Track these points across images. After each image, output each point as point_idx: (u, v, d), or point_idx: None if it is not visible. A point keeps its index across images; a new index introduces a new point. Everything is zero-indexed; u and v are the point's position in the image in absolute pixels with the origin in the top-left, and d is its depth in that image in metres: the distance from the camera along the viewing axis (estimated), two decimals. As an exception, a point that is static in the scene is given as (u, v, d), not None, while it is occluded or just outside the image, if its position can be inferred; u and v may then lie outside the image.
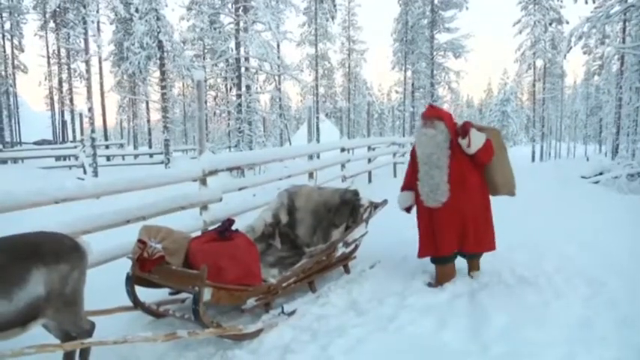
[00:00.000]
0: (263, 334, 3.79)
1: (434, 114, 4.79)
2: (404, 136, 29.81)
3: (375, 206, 5.28)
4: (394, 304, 4.33)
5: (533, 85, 38.61)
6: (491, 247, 4.93)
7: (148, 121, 32.07)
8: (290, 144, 25.62)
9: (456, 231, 4.70)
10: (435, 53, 29.62)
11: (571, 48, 12.92)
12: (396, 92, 38.22)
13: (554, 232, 6.58)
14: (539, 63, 37.49)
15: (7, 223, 3.63)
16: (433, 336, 3.73)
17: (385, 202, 5.40)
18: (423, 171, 4.73)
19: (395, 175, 15.14)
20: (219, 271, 3.57)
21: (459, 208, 4.64)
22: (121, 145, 29.28)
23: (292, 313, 4.16)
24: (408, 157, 17.74)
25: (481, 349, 3.49)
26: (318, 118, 30.52)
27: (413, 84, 32.09)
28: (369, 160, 14.10)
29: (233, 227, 4.13)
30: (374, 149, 14.38)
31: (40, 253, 2.72)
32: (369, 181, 13.26)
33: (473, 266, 5.01)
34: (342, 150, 11.04)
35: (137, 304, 3.93)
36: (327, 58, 42.49)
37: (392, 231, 6.01)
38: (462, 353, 3.46)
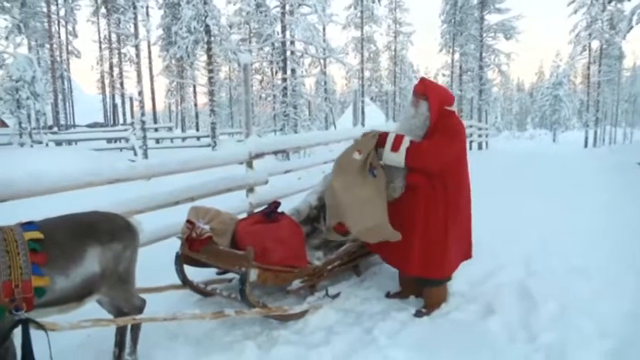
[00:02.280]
0: (308, 315, 3.83)
1: (420, 90, 3.88)
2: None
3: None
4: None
5: (588, 68, 37.11)
6: (439, 273, 3.92)
7: (195, 104, 32.63)
8: (335, 128, 25.61)
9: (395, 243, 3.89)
10: (484, 35, 28.80)
11: (632, 27, 12.30)
12: (443, 75, 37.39)
13: (608, 219, 6.35)
14: (595, 44, 35.96)
15: (65, 201, 3.78)
16: (479, 322, 3.68)
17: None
18: None
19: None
20: (266, 253, 3.62)
21: (401, 214, 3.86)
22: (170, 129, 29.93)
23: (337, 295, 4.18)
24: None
25: (528, 338, 3.43)
26: (363, 101, 30.28)
27: (461, 67, 31.35)
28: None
29: (279, 210, 4.18)
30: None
31: (95, 232, 2.82)
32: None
33: (425, 295, 4.03)
34: (388, 134, 10.91)
35: (186, 282, 4.04)
36: (372, 40, 41.98)
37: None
38: (508, 340, 3.40)
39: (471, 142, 21.09)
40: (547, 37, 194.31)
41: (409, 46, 45.13)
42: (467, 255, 4.20)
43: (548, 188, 9.15)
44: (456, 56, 32.56)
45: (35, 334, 2.46)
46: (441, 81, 45.60)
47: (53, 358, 2.45)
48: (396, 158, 3.76)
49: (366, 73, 41.28)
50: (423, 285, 3.98)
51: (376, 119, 29.73)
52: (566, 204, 7.41)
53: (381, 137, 3.90)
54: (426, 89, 3.88)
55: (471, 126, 20.71)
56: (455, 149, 3.84)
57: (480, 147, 23.04)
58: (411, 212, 3.83)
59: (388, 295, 4.20)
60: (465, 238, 4.14)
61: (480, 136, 22.60)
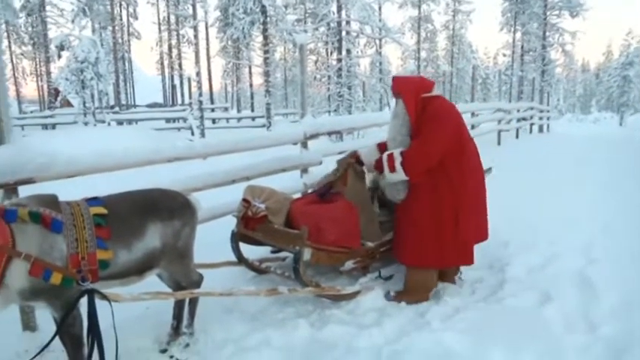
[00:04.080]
0: (360, 296, 3.84)
1: (394, 89, 3.87)
2: (510, 102, 28.30)
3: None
4: (497, 275, 4.20)
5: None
6: (407, 259, 3.88)
7: (251, 85, 33.00)
8: (389, 109, 25.30)
9: (398, 236, 3.98)
10: (548, 13, 27.48)
11: None
12: (504, 55, 36.22)
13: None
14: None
15: (129, 178, 3.92)
16: (535, 310, 3.57)
17: (489, 170, 5.19)
18: None
19: (499, 143, 14.52)
20: (320, 233, 3.65)
21: (408, 210, 3.85)
22: (226, 109, 30.44)
23: (389, 277, 4.17)
24: (514, 124, 17.01)
25: (587, 328, 3.30)
26: (418, 82, 29.68)
27: (522, 46, 30.13)
28: (472, 127, 13.60)
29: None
30: (477, 115, 13.83)
31: (156, 209, 2.91)
32: (471, 148, 12.81)
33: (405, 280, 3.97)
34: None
35: (241, 259, 4.13)
36: (430, 20, 41.05)
37: (491, 200, 5.78)
38: (565, 330, 3.28)
39: (531, 124, 20.37)
40: (618, 15, 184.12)
41: (468, 25, 43.99)
42: (481, 237, 4.07)
43: (613, 175, 8.76)
44: (518, 35, 31.32)
45: (99, 304, 2.58)
46: (501, 61, 44.12)
47: (115, 327, 2.56)
48: (397, 177, 3.70)
49: (423, 54, 40.45)
50: (408, 270, 3.93)
51: (432, 101, 29.11)
52: (631, 191, 7.08)
53: (377, 163, 3.85)
54: (397, 86, 3.84)
55: (532, 108, 19.99)
56: (444, 135, 3.67)
57: (540, 130, 22.21)
58: (417, 209, 3.76)
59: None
60: (481, 222, 4.03)
61: (540, 118, 21.79)
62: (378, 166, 3.83)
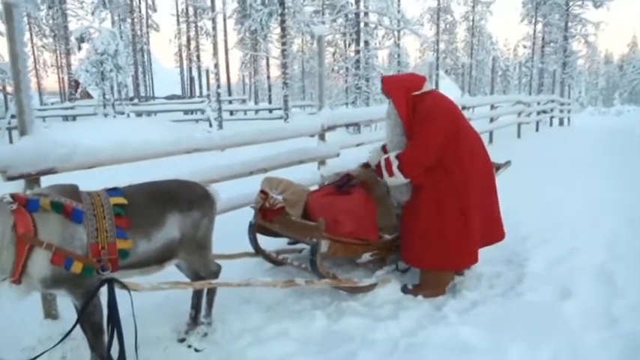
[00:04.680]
0: (377, 288, 3.83)
1: (383, 90, 3.86)
2: (530, 94, 27.92)
3: (497, 167, 5.05)
4: (515, 270, 4.16)
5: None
6: (412, 261, 3.88)
7: (268, 77, 33.04)
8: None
9: (404, 238, 3.95)
10: (571, 3, 27.04)
11: None
12: (524, 47, 35.67)
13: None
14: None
15: (148, 169, 3.95)
16: (554, 305, 3.53)
17: (508, 163, 5.13)
18: None
19: (519, 136, 14.37)
20: (337, 225, 3.65)
21: (411, 212, 3.83)
22: (243, 101, 30.54)
23: (406, 270, 4.16)
24: (534, 117, 16.80)
25: (607, 324, 3.24)
26: (437, 74, 29.49)
27: (543, 38, 29.69)
28: (491, 120, 13.47)
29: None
30: (496, 108, 13.69)
31: (175, 200, 2.93)
32: (490, 141, 12.70)
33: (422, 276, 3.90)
34: (463, 108, 10.62)
35: (258, 251, 4.15)
36: (449, 11, 40.64)
37: (510, 194, 5.73)
38: (585, 326, 3.23)
39: (551, 117, 20.11)
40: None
41: (488, 16, 43.40)
42: (495, 238, 4.00)
43: (637, 169, 8.61)
44: (539, 27, 30.86)
45: (119, 293, 2.62)
46: (521, 53, 43.50)
47: (135, 316, 2.60)
48: (397, 181, 3.70)
49: (442, 45, 40.10)
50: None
51: (451, 93, 28.81)
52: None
53: (377, 169, 3.83)
54: (386, 87, 3.81)
55: (552, 100, 19.71)
56: (437, 132, 3.59)
57: (560, 123, 21.91)
58: (421, 209, 3.72)
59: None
60: (492, 221, 3.94)
61: (561, 111, 21.48)
62: (378, 172, 3.83)
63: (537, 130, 17.12)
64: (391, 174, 3.68)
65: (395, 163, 3.64)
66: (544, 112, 18.87)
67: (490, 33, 47.24)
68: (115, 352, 2.62)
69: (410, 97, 3.72)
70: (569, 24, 27.37)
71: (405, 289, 3.83)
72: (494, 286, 3.91)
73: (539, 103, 18.07)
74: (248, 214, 4.16)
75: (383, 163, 3.74)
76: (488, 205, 3.90)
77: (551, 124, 20.30)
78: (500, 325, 3.21)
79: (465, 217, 3.65)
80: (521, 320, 3.29)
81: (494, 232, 3.98)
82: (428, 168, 3.64)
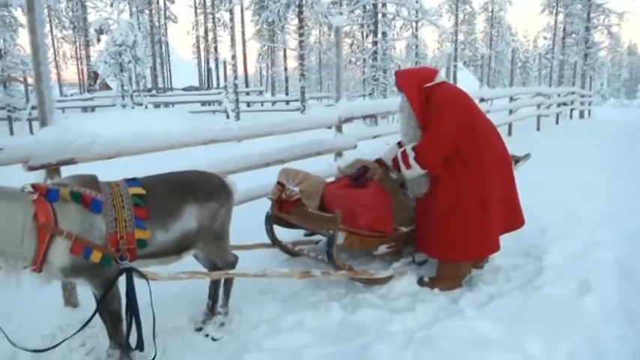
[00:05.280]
0: (393, 281, 3.83)
1: (397, 84, 3.88)
2: (550, 86, 27.51)
3: (516, 160, 4.99)
4: (534, 263, 4.12)
5: None
6: (433, 252, 3.88)
7: (285, 68, 33.03)
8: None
9: (421, 229, 3.95)
10: (593, -7, 26.55)
11: None
12: (544, 38, 35.15)
13: None
14: None
15: (165, 160, 3.99)
16: (573, 299, 3.48)
17: (528, 156, 5.07)
18: None
19: (538, 129, 14.18)
20: (353, 217, 3.64)
21: (427, 203, 3.82)
22: (260, 92, 30.58)
23: (423, 263, 4.14)
24: (554, 109, 16.57)
25: (628, 319, 3.20)
26: (456, 66, 29.18)
27: (564, 29, 29.23)
28: (510, 112, 13.31)
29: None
30: (516, 100, 13.52)
31: (193, 190, 2.95)
32: (509, 133, 12.57)
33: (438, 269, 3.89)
34: (481, 100, 10.52)
35: (275, 242, 4.17)
36: (468, 1, 40.24)
37: (529, 187, 5.67)
38: (605, 320, 3.19)
39: (571, 110, 19.81)
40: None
41: (507, 6, 42.86)
42: (515, 225, 3.97)
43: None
44: (560, 17, 30.40)
45: (137, 282, 2.65)
46: (541, 44, 42.91)
47: (153, 305, 2.62)
48: (414, 173, 3.70)
49: (460, 36, 39.71)
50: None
51: (469, 85, 28.59)
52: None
53: (394, 162, 3.85)
54: (399, 81, 3.82)
55: (573, 92, 19.41)
56: (451, 122, 3.58)
57: (581, 115, 21.57)
58: (439, 201, 3.70)
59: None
60: (512, 207, 3.92)
61: (582, 104, 21.14)
62: (395, 165, 3.83)
63: (557, 122, 16.88)
64: (408, 166, 3.68)
65: (411, 155, 3.64)
66: (564, 104, 18.59)
67: (509, 24, 46.63)
68: (133, 340, 2.66)
69: (422, 89, 3.72)
70: (592, 14, 26.91)
71: (421, 282, 3.82)
72: (512, 279, 3.88)
73: (559, 95, 17.81)
74: (265, 205, 4.17)
75: (400, 157, 3.74)
76: (507, 194, 3.88)
77: (571, 117, 20.00)
78: (518, 318, 3.18)
79: (484, 207, 3.63)
80: (539, 314, 3.25)
81: (514, 219, 3.96)
82: (445, 159, 3.63)
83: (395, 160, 3.83)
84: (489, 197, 3.66)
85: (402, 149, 3.77)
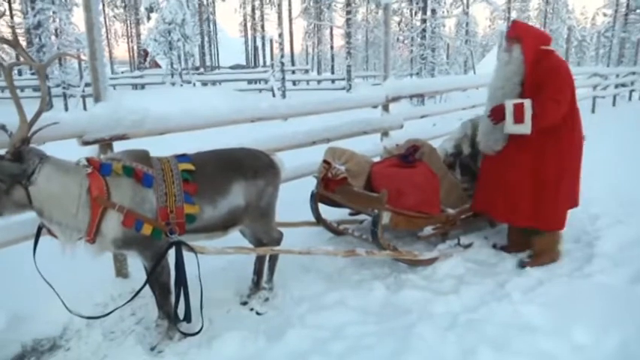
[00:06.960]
0: (437, 262, 3.79)
1: (512, 34, 3.68)
2: (608, 66, 26.28)
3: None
4: (584, 250, 4.00)
5: None
6: (499, 216, 3.93)
7: (332, 47, 32.75)
8: (474, 72, 24.31)
9: (491, 190, 3.86)
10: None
11: None
12: (604, 15, 33.52)
13: None
14: None
15: (210, 137, 4.04)
16: (625, 288, 3.37)
17: (583, 138, 4.88)
18: (486, 108, 3.80)
19: (593, 111, 13.62)
20: (399, 197, 3.61)
21: (504, 163, 3.72)
22: (306, 71, 30.54)
23: (469, 246, 4.08)
24: (611, 90, 15.79)
25: (685, 311, 3.08)
26: (507, 44, 28.21)
27: (628, 4, 27.69)
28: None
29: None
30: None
31: (241, 168, 2.99)
32: (562, 115, 12.11)
33: (533, 246, 3.87)
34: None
35: (319, 220, 4.19)
36: (522, -23, 38.69)
37: (582, 172, 5.47)
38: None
39: (631, 91, 18.87)
40: None
41: (565, -18, 40.94)
42: (573, 203, 3.90)
43: None
44: (624, -8, 28.80)
45: (186, 255, 2.72)
46: (600, 22, 40.94)
47: (201, 278, 2.69)
48: (521, 129, 3.48)
49: (513, 14, 38.26)
50: (533, 236, 3.83)
51: (520, 64, 27.58)
52: None
53: (496, 111, 3.61)
54: (518, 31, 3.65)
55: (633, 73, 18.46)
56: (569, 91, 3.54)
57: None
58: (519, 166, 3.66)
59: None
60: (575, 187, 3.87)
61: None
62: (495, 116, 3.62)
63: (614, 104, 16.16)
64: (520, 121, 3.46)
65: (529, 111, 3.44)
66: (623, 85, 17.74)
67: (566, 0, 44.66)
68: (181, 311, 2.74)
69: (538, 49, 3.60)
70: (659, -12, 25.34)
71: (521, 264, 3.80)
72: (562, 265, 3.79)
73: (617, 76, 17.00)
74: (310, 184, 4.18)
75: (511, 109, 3.47)
76: (577, 172, 3.88)
77: (630, 99, 19.07)
78: (566, 305, 3.11)
79: (561, 180, 3.64)
80: (589, 302, 3.16)
81: (574, 198, 3.92)
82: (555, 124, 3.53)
83: (497, 111, 3.61)
84: (579, 169, 3.77)
85: (517, 101, 3.50)
